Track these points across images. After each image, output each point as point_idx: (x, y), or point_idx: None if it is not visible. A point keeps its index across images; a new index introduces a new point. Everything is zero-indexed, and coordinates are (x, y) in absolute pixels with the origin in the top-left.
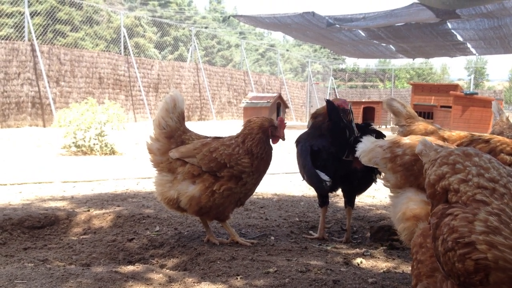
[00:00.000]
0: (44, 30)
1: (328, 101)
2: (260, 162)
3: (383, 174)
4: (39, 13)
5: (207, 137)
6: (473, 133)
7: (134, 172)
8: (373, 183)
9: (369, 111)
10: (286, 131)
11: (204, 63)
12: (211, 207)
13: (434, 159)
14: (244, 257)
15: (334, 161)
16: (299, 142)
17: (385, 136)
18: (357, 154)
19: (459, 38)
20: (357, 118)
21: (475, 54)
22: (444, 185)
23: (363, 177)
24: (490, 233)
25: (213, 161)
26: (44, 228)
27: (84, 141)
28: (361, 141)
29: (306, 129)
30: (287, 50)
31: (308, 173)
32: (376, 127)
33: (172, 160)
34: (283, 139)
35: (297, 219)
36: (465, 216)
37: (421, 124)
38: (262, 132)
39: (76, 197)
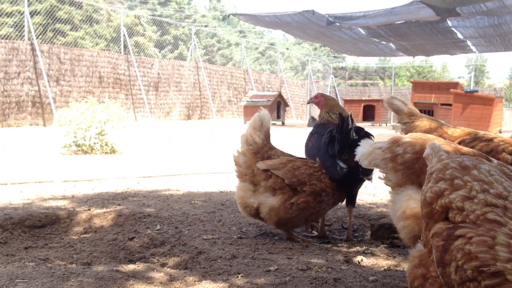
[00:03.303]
0: (44, 29)
1: (341, 116)
2: (341, 188)
3: (383, 174)
4: (39, 12)
5: (291, 155)
6: (477, 130)
7: (134, 171)
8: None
9: (369, 109)
10: (287, 129)
11: (204, 61)
12: (289, 218)
13: (430, 173)
14: (245, 255)
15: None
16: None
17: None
18: (357, 158)
19: (459, 36)
20: (358, 116)
21: (475, 52)
22: (444, 203)
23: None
24: None
25: (295, 177)
26: (45, 227)
27: (85, 140)
28: (359, 145)
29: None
30: (287, 49)
31: (322, 157)
32: (377, 125)
33: (257, 172)
34: None
35: None
36: (483, 240)
37: (425, 120)
38: None
39: (77, 196)
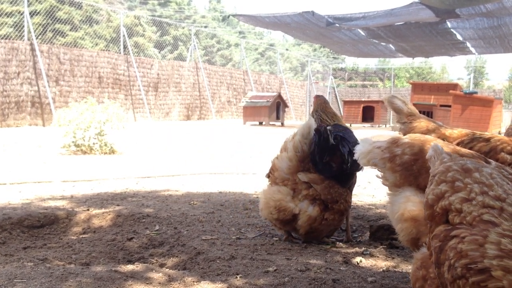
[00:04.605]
0: (43, 30)
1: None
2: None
3: (381, 173)
4: (38, 13)
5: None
6: (474, 131)
7: (133, 172)
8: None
9: (368, 110)
10: (286, 130)
11: (204, 62)
12: (317, 229)
13: (433, 175)
14: (243, 256)
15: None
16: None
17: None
18: (355, 156)
19: (459, 37)
20: (357, 117)
21: (474, 54)
22: (444, 205)
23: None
24: (504, 257)
25: (330, 194)
26: (43, 227)
27: (84, 140)
28: (358, 143)
29: None
30: (287, 49)
31: (312, 162)
32: (376, 126)
33: (299, 181)
34: None
35: None
36: (474, 239)
37: (423, 122)
38: None
39: (76, 196)
